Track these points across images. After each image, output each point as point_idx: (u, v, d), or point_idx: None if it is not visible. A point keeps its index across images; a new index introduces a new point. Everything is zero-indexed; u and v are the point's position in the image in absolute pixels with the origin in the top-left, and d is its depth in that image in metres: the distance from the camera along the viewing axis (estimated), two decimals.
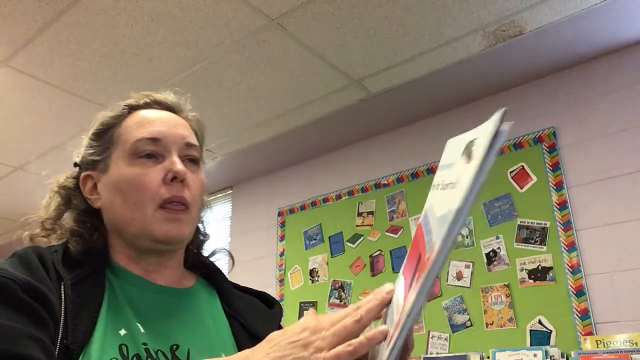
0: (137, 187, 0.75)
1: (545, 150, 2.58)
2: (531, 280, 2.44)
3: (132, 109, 0.83)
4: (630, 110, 2.39)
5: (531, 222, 2.51)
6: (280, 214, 3.66)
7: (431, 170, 2.92)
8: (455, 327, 2.61)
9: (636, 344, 2.02)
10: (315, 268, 3.31)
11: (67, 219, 0.81)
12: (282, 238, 3.59)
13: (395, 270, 2.90)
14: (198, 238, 0.90)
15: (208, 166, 3.59)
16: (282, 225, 3.63)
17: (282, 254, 3.54)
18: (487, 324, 2.51)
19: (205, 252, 0.92)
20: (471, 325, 2.56)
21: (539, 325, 2.36)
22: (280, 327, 0.79)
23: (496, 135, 0.42)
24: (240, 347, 0.77)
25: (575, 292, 2.31)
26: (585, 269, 2.32)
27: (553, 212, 2.46)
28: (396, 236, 3.00)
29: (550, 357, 2.17)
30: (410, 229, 2.93)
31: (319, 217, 3.41)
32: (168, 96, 0.87)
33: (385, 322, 0.57)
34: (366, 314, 0.56)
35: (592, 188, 2.41)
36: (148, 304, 0.76)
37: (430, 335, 2.68)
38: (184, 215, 0.76)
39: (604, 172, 2.39)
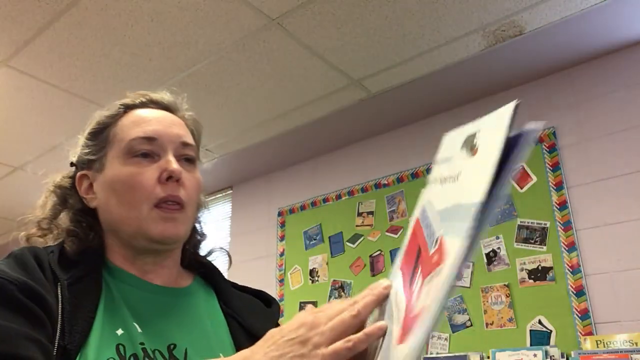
0: (132, 186, 0.75)
1: (545, 150, 2.58)
2: (531, 280, 2.44)
3: (128, 108, 0.83)
4: (630, 110, 2.39)
5: (531, 222, 2.51)
6: (280, 214, 3.66)
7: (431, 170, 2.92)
8: (455, 327, 2.61)
9: (636, 344, 2.02)
10: (315, 268, 3.31)
11: (64, 218, 0.81)
12: (282, 238, 3.59)
13: None
14: (195, 238, 0.90)
15: (208, 166, 3.59)
16: (282, 225, 3.63)
17: (282, 254, 3.54)
18: (487, 324, 2.51)
19: (203, 252, 0.91)
20: (471, 325, 2.56)
21: (539, 325, 2.36)
22: (278, 326, 0.80)
23: (512, 128, 0.41)
24: (238, 346, 0.77)
25: (575, 292, 2.31)
26: (585, 269, 2.32)
27: (553, 212, 2.46)
28: (396, 236, 3.00)
29: (550, 357, 2.17)
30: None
31: (319, 217, 3.41)
32: (164, 95, 0.86)
33: (383, 318, 0.57)
34: (363, 308, 0.55)
35: (592, 188, 2.41)
36: (145, 304, 0.75)
37: (430, 335, 2.67)
38: (179, 215, 0.76)
39: (604, 172, 2.39)
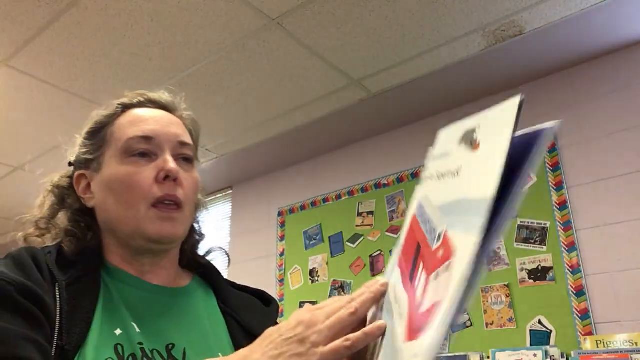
0: (129, 185, 0.75)
1: (545, 150, 2.58)
2: (531, 280, 2.44)
3: (126, 107, 0.82)
4: (630, 110, 2.39)
5: (531, 222, 2.51)
6: (280, 214, 3.66)
7: None
8: (455, 327, 2.61)
9: (636, 344, 2.02)
10: (315, 268, 3.31)
11: (62, 218, 0.80)
12: (282, 238, 3.59)
13: None
14: (193, 238, 0.89)
15: (208, 166, 3.59)
16: (282, 225, 3.63)
17: (282, 254, 3.54)
18: (487, 324, 2.51)
19: (201, 252, 0.91)
20: (471, 325, 2.56)
21: (539, 325, 2.36)
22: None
23: (518, 121, 0.40)
24: (236, 345, 0.77)
25: (575, 292, 2.31)
26: (585, 269, 2.32)
27: (553, 212, 2.46)
28: (396, 236, 2.99)
29: (550, 357, 2.17)
30: None
31: (319, 217, 3.41)
32: (162, 95, 0.86)
33: (381, 314, 0.57)
34: (361, 306, 0.55)
35: (592, 188, 2.41)
36: (143, 304, 0.75)
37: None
38: (177, 214, 0.76)
39: (604, 172, 2.39)
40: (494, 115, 0.45)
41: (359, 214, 3.21)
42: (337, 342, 0.52)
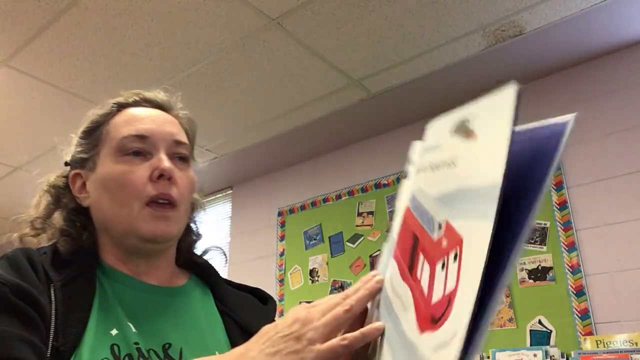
0: (123, 184, 0.74)
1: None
2: (531, 280, 2.44)
3: (121, 106, 0.82)
4: (630, 110, 2.39)
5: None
6: (280, 214, 3.66)
7: None
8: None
9: (636, 344, 2.02)
10: (315, 268, 3.31)
11: (57, 218, 0.80)
12: (282, 238, 3.59)
13: None
14: (190, 237, 0.89)
15: (208, 166, 3.59)
16: (282, 225, 3.63)
17: (282, 254, 3.54)
18: None
19: (198, 251, 0.91)
20: None
21: (539, 325, 2.36)
22: None
23: (519, 107, 0.40)
24: (233, 344, 0.76)
25: (575, 292, 2.31)
26: (585, 269, 2.32)
27: (553, 212, 2.46)
28: None
29: (550, 357, 2.17)
30: None
31: (319, 217, 3.41)
32: (158, 94, 0.86)
33: (377, 310, 0.56)
34: (356, 303, 0.55)
35: (592, 188, 2.41)
36: (139, 303, 0.75)
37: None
38: (171, 213, 0.75)
39: (604, 172, 2.39)
40: (488, 104, 0.45)
41: (359, 214, 3.21)
42: (334, 341, 0.52)
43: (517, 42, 2.38)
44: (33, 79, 2.66)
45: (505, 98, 0.42)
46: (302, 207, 3.54)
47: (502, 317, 2.47)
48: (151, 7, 2.17)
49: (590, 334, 2.20)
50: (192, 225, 0.89)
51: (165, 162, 0.76)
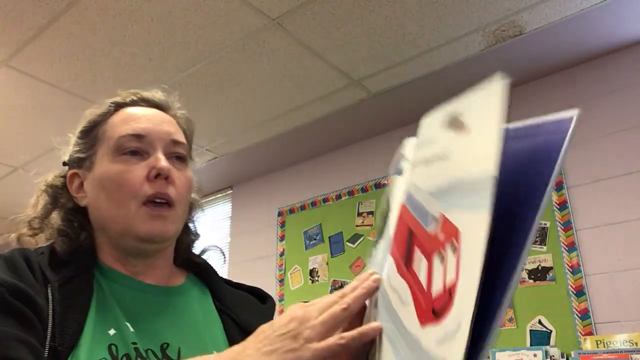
0: (120, 184, 0.74)
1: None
2: (531, 280, 2.44)
3: (119, 106, 0.82)
4: (630, 110, 2.39)
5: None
6: (280, 214, 3.66)
7: None
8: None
9: (636, 344, 2.02)
10: (315, 268, 3.31)
11: (55, 218, 0.80)
12: (282, 238, 3.59)
13: None
14: (189, 237, 0.88)
15: (208, 166, 3.59)
16: (282, 225, 3.63)
17: (282, 254, 3.54)
18: None
19: (197, 251, 0.91)
20: None
21: (539, 325, 2.36)
22: None
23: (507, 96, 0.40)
24: (232, 343, 0.76)
25: (575, 292, 2.31)
26: (585, 269, 2.32)
27: (553, 212, 2.46)
28: None
29: (550, 357, 2.17)
30: None
31: (319, 217, 3.41)
32: (155, 94, 0.85)
33: (375, 306, 0.56)
34: (353, 301, 0.55)
35: (592, 188, 2.41)
36: (137, 303, 0.75)
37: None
38: (168, 213, 0.75)
39: (604, 172, 2.39)
40: (479, 97, 0.45)
41: (359, 214, 3.21)
42: (331, 339, 0.52)
43: (517, 42, 2.38)
44: (33, 79, 2.66)
45: (495, 90, 0.42)
46: (302, 207, 3.54)
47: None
48: (151, 7, 2.17)
49: (590, 334, 2.20)
50: (191, 225, 0.89)
51: (163, 162, 0.75)
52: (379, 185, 3.18)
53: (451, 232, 0.44)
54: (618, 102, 2.43)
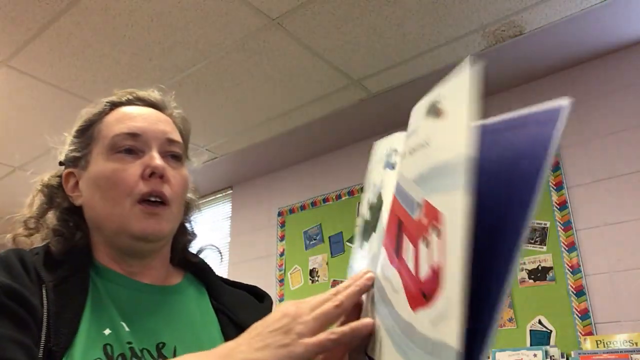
0: (115, 182, 0.74)
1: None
2: (531, 280, 2.44)
3: (114, 105, 0.82)
4: (630, 110, 2.39)
5: (531, 222, 2.51)
6: (280, 214, 3.66)
7: None
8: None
9: (636, 344, 2.02)
10: (315, 268, 3.31)
11: (51, 218, 0.80)
12: (282, 238, 3.59)
13: None
14: (185, 237, 0.88)
15: (208, 166, 3.59)
16: (282, 225, 3.63)
17: (282, 254, 3.54)
18: None
19: (193, 250, 0.90)
20: None
21: (539, 325, 2.36)
22: None
23: (476, 78, 0.41)
24: None
25: (575, 292, 2.31)
26: (585, 269, 2.32)
27: (553, 212, 2.46)
28: None
29: (550, 357, 2.17)
30: None
31: (319, 217, 3.41)
32: (151, 93, 0.85)
33: (372, 302, 0.57)
34: (346, 299, 0.56)
35: (592, 188, 2.41)
36: (133, 303, 0.74)
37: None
38: (163, 211, 0.75)
39: (604, 172, 2.39)
40: (453, 81, 0.46)
41: (359, 214, 3.21)
42: (323, 335, 0.52)
43: (517, 42, 2.38)
44: (33, 79, 2.66)
45: (467, 72, 0.43)
46: (302, 207, 3.54)
47: (502, 317, 2.48)
48: (151, 7, 2.17)
49: (590, 334, 2.20)
50: (187, 225, 0.89)
51: (157, 160, 0.75)
52: None
53: (433, 216, 0.44)
54: (618, 102, 2.43)
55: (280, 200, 3.70)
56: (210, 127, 3.13)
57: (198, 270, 0.88)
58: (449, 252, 0.41)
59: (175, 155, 0.80)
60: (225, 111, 2.97)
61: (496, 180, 0.43)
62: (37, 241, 0.79)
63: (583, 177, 2.44)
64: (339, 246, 3.24)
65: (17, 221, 0.81)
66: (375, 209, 0.67)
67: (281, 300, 3.39)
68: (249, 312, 0.83)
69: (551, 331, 2.32)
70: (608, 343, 2.08)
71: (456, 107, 0.44)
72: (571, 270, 2.35)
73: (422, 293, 0.45)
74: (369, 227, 0.68)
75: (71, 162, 0.81)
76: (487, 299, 0.39)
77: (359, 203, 3.24)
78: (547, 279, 2.40)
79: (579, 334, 2.24)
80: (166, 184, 0.76)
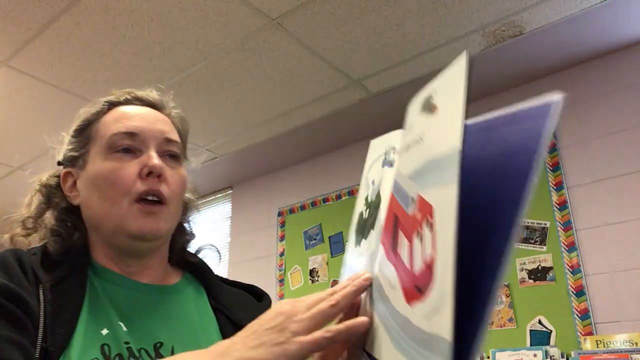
0: (112, 181, 0.74)
1: (545, 150, 2.58)
2: (531, 280, 2.44)
3: (112, 105, 0.82)
4: (630, 110, 2.39)
5: (531, 222, 2.51)
6: (280, 214, 3.66)
7: None
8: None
9: (636, 344, 2.02)
10: (315, 268, 3.31)
11: (49, 218, 0.80)
12: (282, 238, 3.59)
13: None
14: (184, 237, 0.88)
15: (208, 166, 3.59)
16: (282, 225, 3.63)
17: (282, 254, 3.54)
18: None
19: (192, 250, 0.90)
20: None
21: (539, 325, 2.36)
22: None
23: (470, 75, 0.41)
24: None
25: (575, 292, 2.31)
26: (585, 269, 2.32)
27: (553, 212, 2.46)
28: None
29: (550, 357, 2.17)
30: None
31: (319, 217, 3.41)
32: (150, 93, 0.85)
33: (372, 300, 0.57)
34: (342, 298, 0.55)
35: (592, 188, 2.41)
36: (130, 302, 0.74)
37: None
38: (160, 210, 0.74)
39: (604, 172, 2.39)
40: (445, 76, 0.46)
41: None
42: (318, 333, 0.53)
43: (517, 42, 2.38)
44: (33, 79, 2.66)
45: (458, 66, 0.43)
46: (302, 207, 3.54)
47: (502, 317, 2.48)
48: (151, 7, 2.17)
49: (590, 334, 2.20)
50: (186, 225, 0.89)
51: (155, 159, 0.75)
52: None
53: (426, 210, 0.45)
54: (618, 102, 2.43)
55: (280, 200, 3.70)
56: (210, 127, 3.12)
57: (197, 270, 0.88)
58: (440, 244, 0.41)
59: (173, 154, 0.80)
60: (225, 111, 2.97)
61: (489, 176, 0.43)
62: (35, 241, 0.79)
63: (583, 177, 2.44)
64: (339, 246, 3.24)
65: (15, 221, 0.81)
66: (374, 206, 0.67)
67: (281, 300, 3.39)
68: (247, 312, 0.83)
69: (551, 331, 2.32)
70: (608, 343, 2.08)
71: (448, 102, 0.45)
72: (571, 270, 2.35)
73: (416, 287, 0.45)
74: (368, 225, 0.68)
75: (69, 162, 0.81)
76: (480, 294, 0.40)
77: None
78: (547, 279, 2.40)
79: (579, 334, 2.24)
80: (164, 183, 0.76)
